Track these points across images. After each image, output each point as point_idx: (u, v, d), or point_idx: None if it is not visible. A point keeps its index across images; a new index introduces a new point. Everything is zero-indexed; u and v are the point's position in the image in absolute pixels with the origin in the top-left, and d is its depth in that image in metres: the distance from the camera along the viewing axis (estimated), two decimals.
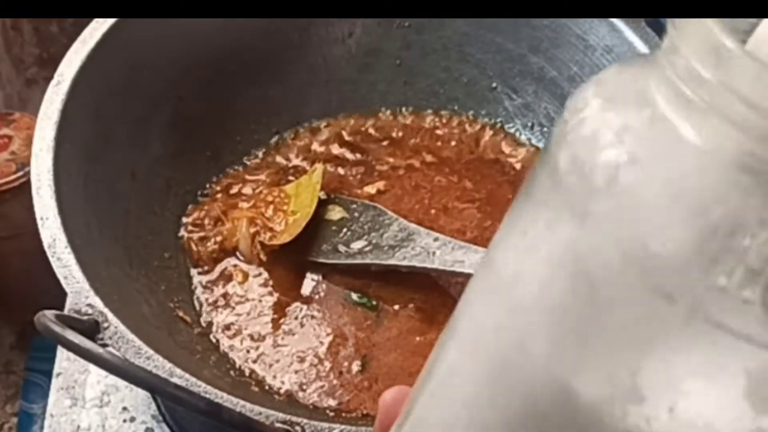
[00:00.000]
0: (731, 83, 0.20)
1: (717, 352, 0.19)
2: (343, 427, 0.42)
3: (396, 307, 0.58)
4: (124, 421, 0.57)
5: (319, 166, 0.64)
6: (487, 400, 0.24)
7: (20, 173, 0.95)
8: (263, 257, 0.61)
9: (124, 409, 0.57)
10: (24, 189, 0.90)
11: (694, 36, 0.21)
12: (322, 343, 0.57)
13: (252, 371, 0.55)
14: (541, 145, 0.67)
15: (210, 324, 0.58)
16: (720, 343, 0.19)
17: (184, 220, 0.63)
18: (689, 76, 0.21)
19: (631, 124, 0.21)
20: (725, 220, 0.19)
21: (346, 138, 0.69)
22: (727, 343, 0.19)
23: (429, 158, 0.67)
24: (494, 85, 0.68)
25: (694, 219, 0.19)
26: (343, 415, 0.53)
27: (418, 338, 0.56)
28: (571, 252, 0.21)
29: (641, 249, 0.20)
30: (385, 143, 0.68)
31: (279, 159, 0.68)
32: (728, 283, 0.19)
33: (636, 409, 0.20)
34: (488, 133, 0.69)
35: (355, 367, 0.55)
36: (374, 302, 0.58)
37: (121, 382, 0.57)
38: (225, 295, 0.59)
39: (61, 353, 0.60)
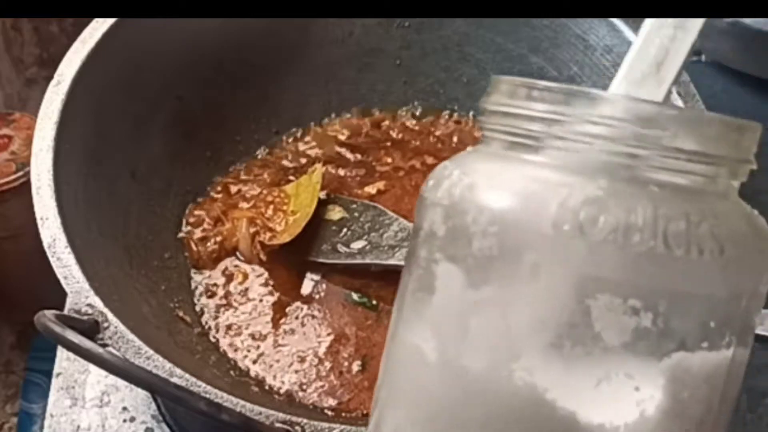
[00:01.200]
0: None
1: None
2: (343, 427, 0.42)
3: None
4: (124, 421, 0.57)
5: (318, 166, 0.64)
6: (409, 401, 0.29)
7: (20, 173, 0.95)
8: (263, 257, 0.61)
9: (124, 409, 0.57)
10: (24, 189, 0.90)
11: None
12: (322, 343, 0.57)
13: (252, 371, 0.55)
14: None
15: (210, 324, 0.58)
16: None
17: (184, 220, 0.63)
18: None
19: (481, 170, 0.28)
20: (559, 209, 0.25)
21: (347, 138, 0.69)
22: None
23: (429, 158, 0.67)
24: None
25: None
26: (343, 415, 0.53)
27: None
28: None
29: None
30: (384, 143, 0.68)
31: (279, 159, 0.68)
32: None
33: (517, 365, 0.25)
34: None
35: (356, 367, 0.55)
36: (374, 302, 0.58)
37: (121, 382, 0.57)
38: (225, 295, 0.59)
39: (61, 353, 0.60)
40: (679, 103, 0.56)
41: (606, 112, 0.26)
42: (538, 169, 0.27)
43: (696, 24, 0.30)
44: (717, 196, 0.27)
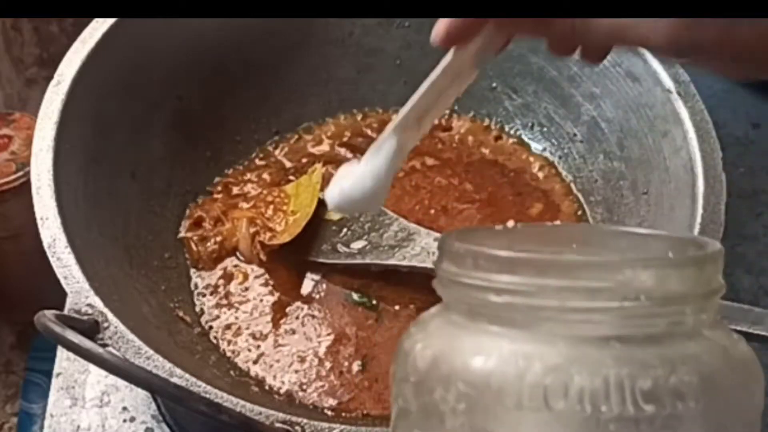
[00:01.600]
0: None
1: None
2: (343, 427, 0.42)
3: (396, 307, 0.58)
4: (124, 421, 0.57)
5: (318, 166, 0.64)
6: None
7: (20, 173, 0.95)
8: (263, 257, 0.61)
9: (124, 409, 0.57)
10: (24, 189, 0.90)
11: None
12: (322, 343, 0.57)
13: (252, 371, 0.55)
14: (540, 145, 0.67)
15: (210, 324, 0.58)
16: None
17: (184, 220, 0.63)
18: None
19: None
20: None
21: (346, 138, 0.69)
22: None
23: (429, 158, 0.67)
24: (494, 85, 0.68)
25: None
26: (343, 415, 0.53)
27: None
28: None
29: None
30: None
31: (279, 159, 0.68)
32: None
33: None
34: (488, 133, 0.69)
35: (356, 367, 0.55)
36: (374, 302, 0.58)
37: (121, 382, 0.57)
38: (225, 295, 0.59)
39: (61, 353, 0.60)
40: (680, 103, 0.56)
41: (552, 278, 0.25)
42: (496, 340, 0.26)
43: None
44: (686, 337, 0.25)
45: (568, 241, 0.30)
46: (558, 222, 0.56)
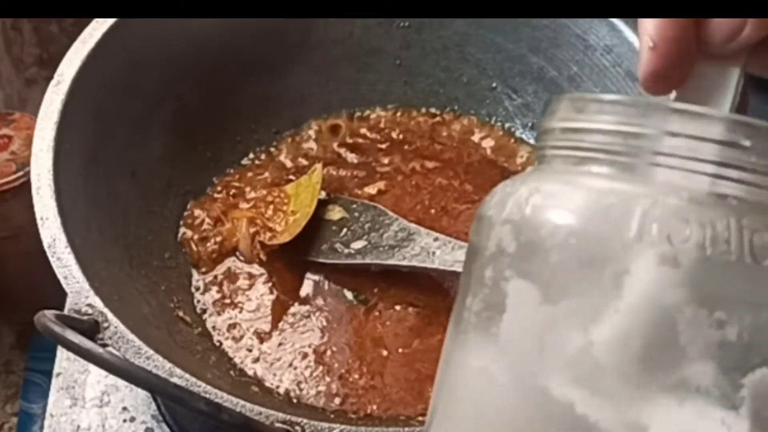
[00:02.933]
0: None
1: None
2: (343, 427, 0.42)
3: (397, 307, 0.58)
4: (124, 421, 0.57)
5: (318, 166, 0.64)
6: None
7: (20, 173, 0.95)
8: (263, 257, 0.61)
9: (124, 409, 0.57)
10: (24, 189, 0.90)
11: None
12: (322, 343, 0.57)
13: (252, 371, 0.55)
14: None
15: (210, 324, 0.58)
16: None
17: (184, 220, 0.63)
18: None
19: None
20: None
21: (347, 138, 0.69)
22: None
23: (429, 158, 0.67)
24: (494, 85, 0.68)
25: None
26: (343, 415, 0.53)
27: (418, 338, 0.56)
28: None
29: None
30: (385, 144, 0.68)
31: (279, 159, 0.68)
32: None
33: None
34: (488, 133, 0.69)
35: (356, 367, 0.55)
36: (375, 302, 0.58)
37: (121, 382, 0.57)
38: (225, 295, 0.59)
39: (61, 353, 0.60)
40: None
41: (682, 127, 0.25)
42: (615, 183, 0.26)
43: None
44: None
45: None
46: None
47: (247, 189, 0.65)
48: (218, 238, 0.62)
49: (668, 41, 0.28)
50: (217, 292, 0.60)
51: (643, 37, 0.28)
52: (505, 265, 0.27)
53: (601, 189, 0.26)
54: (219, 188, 0.65)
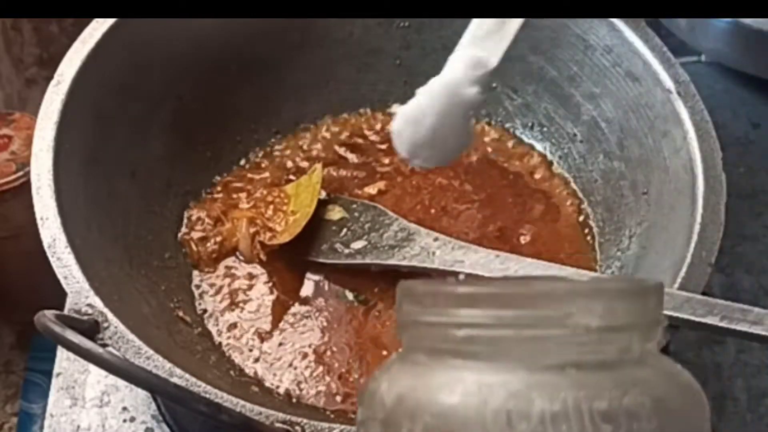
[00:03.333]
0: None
1: None
2: (343, 427, 0.42)
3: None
4: (124, 421, 0.57)
5: (318, 166, 0.64)
6: None
7: (20, 173, 0.95)
8: (263, 257, 0.61)
9: (124, 409, 0.57)
10: (24, 189, 0.90)
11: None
12: (322, 343, 0.57)
13: (252, 371, 0.55)
14: (540, 145, 0.67)
15: (210, 324, 0.58)
16: None
17: (184, 220, 0.63)
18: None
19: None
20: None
21: (347, 138, 0.69)
22: None
23: None
24: (494, 85, 0.68)
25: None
26: (343, 415, 0.53)
27: None
28: None
29: None
30: (385, 144, 0.68)
31: (279, 159, 0.68)
32: None
33: None
34: (488, 133, 0.69)
35: (356, 367, 0.55)
36: (374, 302, 0.58)
37: (121, 382, 0.57)
38: (225, 295, 0.59)
39: (61, 353, 0.60)
40: (680, 103, 0.56)
41: (508, 309, 0.26)
42: (459, 373, 0.27)
43: None
44: (634, 364, 0.27)
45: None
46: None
47: (247, 189, 0.65)
48: (218, 238, 0.62)
49: None
50: (217, 292, 0.60)
51: None
52: None
53: (448, 383, 0.27)
54: (219, 188, 0.65)
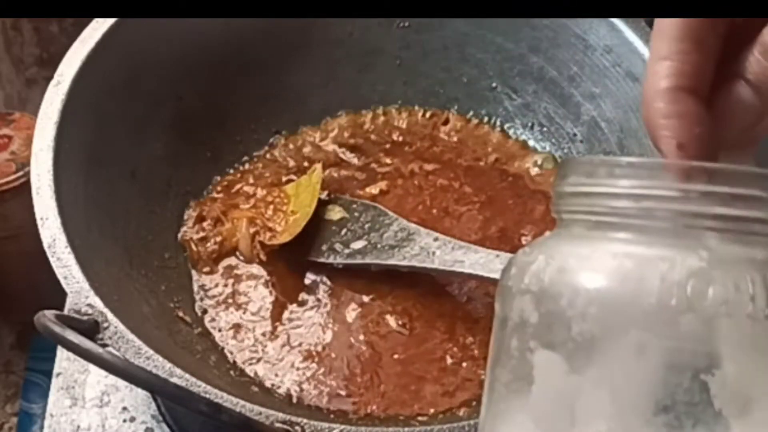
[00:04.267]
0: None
1: None
2: (343, 427, 0.42)
3: (396, 307, 0.58)
4: (124, 421, 0.57)
5: (318, 166, 0.64)
6: None
7: (20, 173, 0.95)
8: (263, 257, 0.61)
9: (124, 409, 0.57)
10: (24, 189, 0.90)
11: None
12: (322, 343, 0.57)
13: (252, 371, 0.55)
14: (540, 145, 0.67)
15: (210, 324, 0.58)
16: None
17: (184, 220, 0.63)
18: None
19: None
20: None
21: (347, 138, 0.69)
22: None
23: (429, 160, 0.67)
24: (494, 85, 0.68)
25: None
26: (343, 415, 0.53)
27: (418, 339, 0.56)
28: None
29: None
30: (385, 144, 0.68)
31: (279, 159, 0.68)
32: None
33: None
34: (488, 133, 0.69)
35: (356, 367, 0.55)
36: (374, 302, 0.58)
37: (121, 382, 0.57)
38: (225, 295, 0.59)
39: (61, 353, 0.60)
40: None
41: (694, 185, 0.25)
42: (630, 246, 0.26)
43: None
44: None
45: None
46: None
47: (247, 189, 0.65)
48: (218, 238, 0.62)
49: (695, 140, 0.28)
50: (217, 292, 0.59)
51: (666, 139, 0.28)
52: (529, 336, 0.27)
53: (617, 254, 0.26)
54: (219, 188, 0.65)
